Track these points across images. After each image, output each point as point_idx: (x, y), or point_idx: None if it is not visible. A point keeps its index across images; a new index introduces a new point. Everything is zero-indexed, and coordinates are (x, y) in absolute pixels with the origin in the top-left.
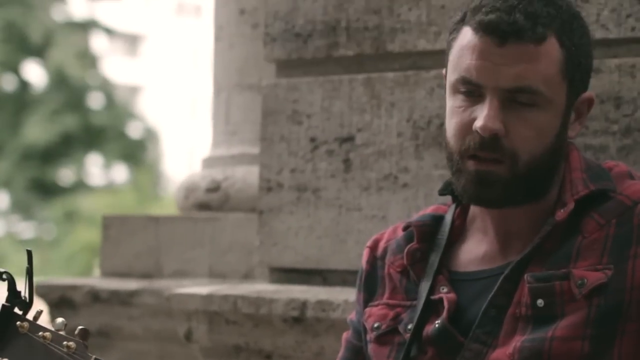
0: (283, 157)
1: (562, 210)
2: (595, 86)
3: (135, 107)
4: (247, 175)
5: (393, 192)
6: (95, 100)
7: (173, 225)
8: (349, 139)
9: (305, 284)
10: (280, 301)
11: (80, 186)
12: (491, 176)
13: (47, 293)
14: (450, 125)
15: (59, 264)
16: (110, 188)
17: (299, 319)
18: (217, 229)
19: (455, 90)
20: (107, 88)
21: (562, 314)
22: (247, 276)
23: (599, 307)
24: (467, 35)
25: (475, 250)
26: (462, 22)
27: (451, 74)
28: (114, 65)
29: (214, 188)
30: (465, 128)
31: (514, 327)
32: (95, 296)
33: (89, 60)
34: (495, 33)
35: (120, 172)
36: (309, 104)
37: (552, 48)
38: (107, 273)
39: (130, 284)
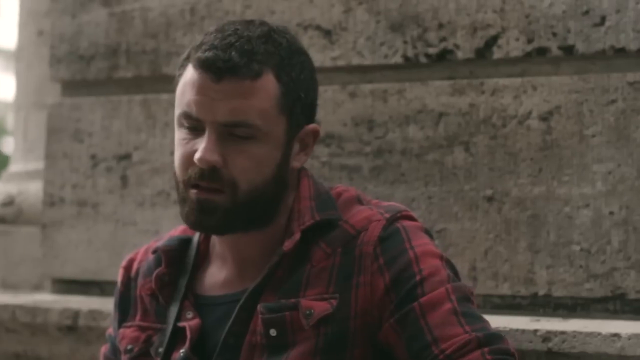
0: (65, 174)
1: (289, 240)
2: (351, 109)
3: (9, 123)
4: (40, 191)
5: (165, 208)
6: None
7: None
8: (126, 156)
9: (83, 294)
10: (55, 310)
11: None
12: (211, 204)
13: None
14: (176, 157)
15: None
16: None
17: (72, 327)
18: (10, 242)
19: (180, 124)
20: None
21: (293, 342)
22: (38, 287)
23: (325, 336)
24: (189, 72)
25: (217, 275)
26: (187, 59)
27: (176, 109)
28: None
29: (9, 202)
30: (188, 159)
31: (252, 355)
32: None
33: None
34: (212, 70)
35: None
36: (90, 122)
37: (268, 84)
38: None
39: None
